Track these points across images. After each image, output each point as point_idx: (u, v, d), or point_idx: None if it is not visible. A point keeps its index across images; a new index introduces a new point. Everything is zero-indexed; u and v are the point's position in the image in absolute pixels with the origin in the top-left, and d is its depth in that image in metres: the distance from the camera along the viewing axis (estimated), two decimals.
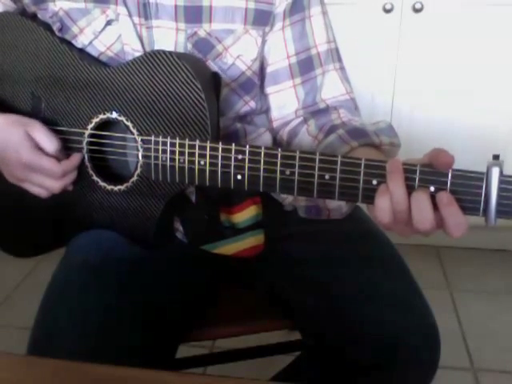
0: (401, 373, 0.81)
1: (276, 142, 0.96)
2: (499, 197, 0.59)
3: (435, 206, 0.61)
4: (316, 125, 0.89)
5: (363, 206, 0.76)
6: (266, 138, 0.94)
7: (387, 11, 1.84)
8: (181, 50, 0.85)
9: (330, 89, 0.93)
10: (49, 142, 0.80)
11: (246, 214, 0.91)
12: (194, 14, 0.84)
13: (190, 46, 0.85)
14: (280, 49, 0.90)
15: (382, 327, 0.80)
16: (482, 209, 0.60)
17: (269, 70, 0.91)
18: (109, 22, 0.85)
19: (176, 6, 0.83)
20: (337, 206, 0.89)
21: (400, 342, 0.79)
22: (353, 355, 0.82)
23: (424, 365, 0.81)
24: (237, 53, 0.87)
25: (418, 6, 1.81)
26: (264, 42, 0.89)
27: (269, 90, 0.93)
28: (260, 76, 0.92)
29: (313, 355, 0.93)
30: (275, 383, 0.94)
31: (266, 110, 0.96)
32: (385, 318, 0.80)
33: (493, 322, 1.73)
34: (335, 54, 0.94)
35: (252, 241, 0.92)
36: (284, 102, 0.92)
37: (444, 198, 0.60)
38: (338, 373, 0.86)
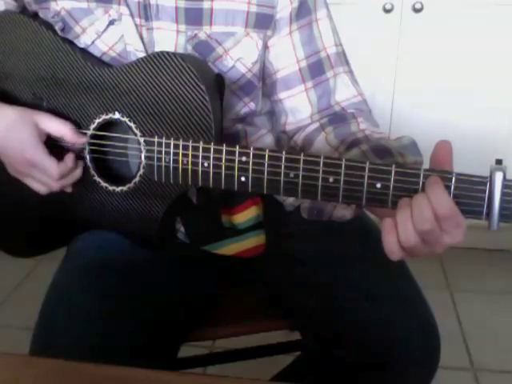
0: (401, 373, 0.81)
1: (278, 144, 0.96)
2: (502, 201, 0.60)
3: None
4: (335, 134, 0.88)
5: None
6: (267, 140, 0.94)
7: (387, 11, 1.84)
8: (181, 51, 0.84)
9: (343, 91, 0.92)
10: (61, 125, 0.80)
11: (246, 215, 0.91)
12: (194, 16, 0.83)
13: (190, 48, 0.84)
14: (289, 54, 0.89)
15: (382, 327, 0.80)
16: (484, 213, 0.61)
17: (279, 75, 0.91)
18: (111, 22, 0.85)
19: (177, 8, 0.83)
20: (341, 216, 0.88)
21: (400, 342, 0.79)
22: (353, 355, 0.82)
23: (424, 365, 0.81)
24: (237, 55, 0.86)
25: (417, 6, 1.82)
26: (265, 45, 0.89)
27: (281, 95, 0.92)
28: (261, 78, 0.91)
29: (313, 355, 0.93)
30: (275, 383, 0.94)
31: (268, 112, 0.96)
32: (385, 318, 0.80)
33: (493, 322, 1.73)
34: (343, 58, 0.94)
35: (253, 241, 0.92)
36: (297, 107, 0.92)
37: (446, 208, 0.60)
38: (338, 373, 0.86)
